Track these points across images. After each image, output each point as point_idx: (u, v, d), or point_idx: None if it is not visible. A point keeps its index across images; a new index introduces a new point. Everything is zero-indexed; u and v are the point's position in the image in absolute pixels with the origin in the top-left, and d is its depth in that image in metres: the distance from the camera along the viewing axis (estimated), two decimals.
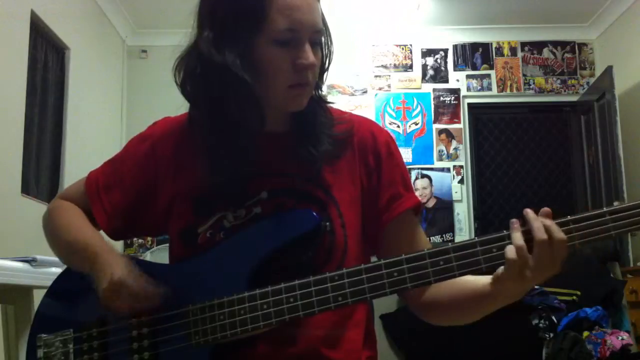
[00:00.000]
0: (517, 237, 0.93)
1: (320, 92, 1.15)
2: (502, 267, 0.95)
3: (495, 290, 0.99)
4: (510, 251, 0.92)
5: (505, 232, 0.94)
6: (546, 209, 0.93)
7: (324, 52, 1.11)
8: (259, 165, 1.10)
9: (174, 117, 1.21)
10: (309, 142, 1.11)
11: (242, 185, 1.09)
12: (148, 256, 4.31)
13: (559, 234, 0.91)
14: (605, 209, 0.90)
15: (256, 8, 1.00)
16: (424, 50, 5.85)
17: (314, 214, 1.05)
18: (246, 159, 1.08)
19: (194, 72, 1.06)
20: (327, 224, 1.08)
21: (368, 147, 1.15)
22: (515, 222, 0.94)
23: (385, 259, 0.98)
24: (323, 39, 1.09)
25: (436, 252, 0.96)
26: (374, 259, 1.02)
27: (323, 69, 1.13)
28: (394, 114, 5.70)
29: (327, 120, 1.14)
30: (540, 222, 0.92)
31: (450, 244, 0.96)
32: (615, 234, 0.90)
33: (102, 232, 1.19)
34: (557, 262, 0.92)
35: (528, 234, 0.92)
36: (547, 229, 0.91)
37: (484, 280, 1.02)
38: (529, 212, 0.94)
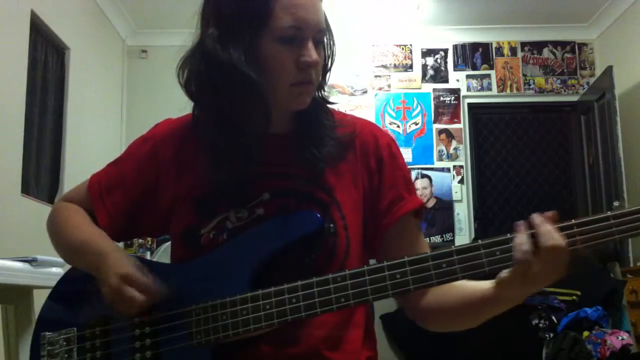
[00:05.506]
0: (523, 239, 0.92)
1: (323, 92, 1.16)
2: (505, 270, 0.95)
3: (498, 294, 0.99)
4: (518, 252, 0.91)
5: (509, 235, 0.94)
6: (551, 213, 0.93)
7: (327, 53, 1.12)
8: (261, 166, 1.10)
9: (176, 119, 1.21)
10: (311, 143, 1.11)
11: (244, 186, 1.09)
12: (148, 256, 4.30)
13: (560, 240, 0.90)
14: (609, 213, 0.90)
15: (261, 5, 1.01)
16: (424, 50, 5.85)
17: (317, 215, 1.05)
18: (249, 159, 1.08)
19: (198, 70, 1.06)
20: (331, 225, 1.07)
21: (370, 150, 1.15)
22: (520, 225, 0.94)
23: (387, 261, 0.98)
24: (325, 39, 1.10)
25: (439, 254, 0.96)
26: (372, 262, 1.02)
27: (325, 70, 1.13)
28: (394, 114, 5.70)
29: (329, 122, 1.14)
30: (545, 227, 0.91)
31: (453, 246, 0.96)
32: (620, 238, 0.89)
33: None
34: (561, 266, 0.92)
35: (533, 238, 0.92)
36: (551, 234, 0.91)
37: (484, 285, 1.02)
38: (535, 217, 0.93)
